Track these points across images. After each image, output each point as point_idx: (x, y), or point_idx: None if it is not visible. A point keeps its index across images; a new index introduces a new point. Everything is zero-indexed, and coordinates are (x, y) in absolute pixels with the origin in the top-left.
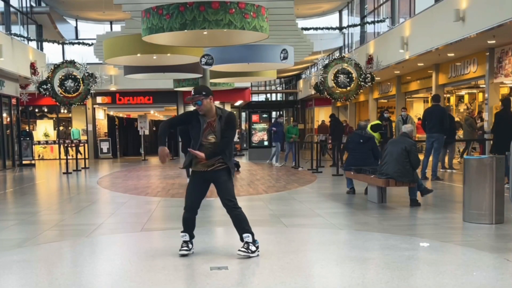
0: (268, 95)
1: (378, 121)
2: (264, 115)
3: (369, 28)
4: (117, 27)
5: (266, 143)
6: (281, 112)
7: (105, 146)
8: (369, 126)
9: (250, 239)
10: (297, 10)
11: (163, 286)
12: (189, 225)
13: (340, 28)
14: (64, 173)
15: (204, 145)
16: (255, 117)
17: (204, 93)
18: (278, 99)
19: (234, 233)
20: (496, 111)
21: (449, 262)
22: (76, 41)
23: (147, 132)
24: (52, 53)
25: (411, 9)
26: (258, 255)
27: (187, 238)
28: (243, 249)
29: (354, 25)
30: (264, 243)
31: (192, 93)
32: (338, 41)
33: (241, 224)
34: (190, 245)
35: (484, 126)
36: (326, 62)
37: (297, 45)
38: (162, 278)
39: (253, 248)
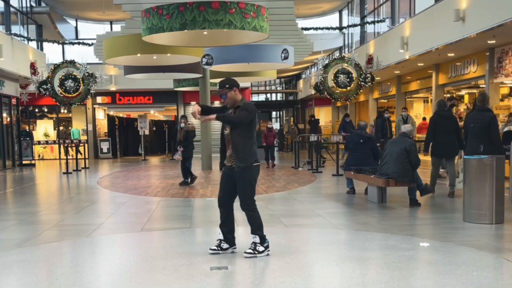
0: (268, 95)
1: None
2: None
3: (369, 28)
4: (117, 27)
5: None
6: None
7: (105, 146)
8: None
9: (257, 240)
10: (297, 10)
11: (163, 286)
12: (222, 222)
13: (340, 28)
14: (64, 173)
15: (225, 135)
16: None
17: (227, 85)
18: (278, 99)
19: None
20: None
21: (449, 262)
22: (76, 41)
23: (147, 132)
24: (52, 53)
25: (411, 9)
26: (268, 255)
27: (220, 236)
28: (249, 250)
29: (354, 25)
30: None
31: (218, 87)
32: (338, 41)
33: (250, 225)
34: (223, 245)
35: None
36: (326, 62)
37: (297, 45)
38: (162, 278)
39: (261, 249)
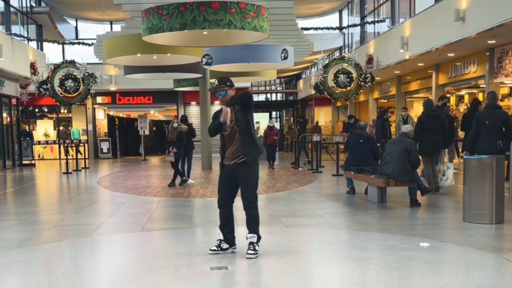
0: (268, 95)
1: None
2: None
3: (369, 28)
4: (117, 27)
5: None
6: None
7: (105, 146)
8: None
9: (254, 239)
10: (297, 10)
11: (163, 286)
12: (222, 223)
13: (340, 28)
14: (64, 173)
15: (224, 137)
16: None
17: (228, 83)
18: (278, 99)
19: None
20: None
21: (449, 262)
22: (76, 41)
23: (147, 132)
24: (52, 53)
25: (411, 9)
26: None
27: (220, 236)
28: (250, 251)
29: (354, 25)
30: (264, 243)
31: (216, 83)
32: (338, 41)
33: (251, 224)
34: (223, 245)
35: None
36: (326, 62)
37: (297, 45)
38: (162, 278)
39: (258, 248)
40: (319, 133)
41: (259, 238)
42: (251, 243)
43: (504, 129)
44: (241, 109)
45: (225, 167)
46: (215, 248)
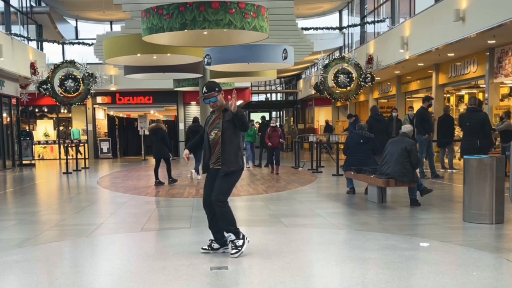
0: (268, 95)
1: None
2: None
3: (369, 28)
4: (117, 27)
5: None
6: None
7: (105, 146)
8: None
9: (232, 237)
10: (297, 10)
11: (163, 286)
12: (209, 222)
13: (340, 28)
14: (64, 173)
15: (209, 141)
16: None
17: (217, 88)
18: (278, 99)
19: None
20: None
21: (449, 262)
22: (76, 41)
23: (147, 132)
24: (52, 53)
25: (411, 9)
26: (248, 242)
27: (211, 236)
28: (233, 251)
29: (354, 25)
30: (264, 243)
31: (205, 90)
32: (338, 41)
33: (223, 222)
34: (214, 245)
35: None
36: (326, 62)
37: (297, 45)
38: (162, 278)
39: (240, 242)
40: (314, 134)
41: (237, 234)
42: (230, 241)
43: (483, 129)
44: (231, 124)
45: (209, 169)
46: (206, 247)
